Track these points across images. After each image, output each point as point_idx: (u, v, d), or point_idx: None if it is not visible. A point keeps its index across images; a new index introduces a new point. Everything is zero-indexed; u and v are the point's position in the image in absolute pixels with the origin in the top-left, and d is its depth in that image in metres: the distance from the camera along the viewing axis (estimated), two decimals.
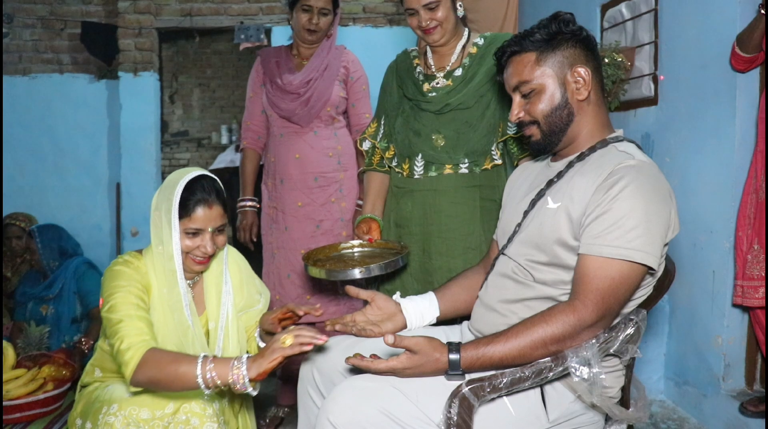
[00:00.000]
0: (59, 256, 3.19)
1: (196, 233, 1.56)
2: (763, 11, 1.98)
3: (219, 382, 1.35)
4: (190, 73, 7.44)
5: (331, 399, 1.28)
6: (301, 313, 1.56)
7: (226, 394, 1.57)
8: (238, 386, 1.35)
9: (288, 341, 1.33)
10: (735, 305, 2.23)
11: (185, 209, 1.54)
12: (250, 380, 1.34)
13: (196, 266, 1.60)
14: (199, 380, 1.35)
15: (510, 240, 1.48)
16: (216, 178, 1.62)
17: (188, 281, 1.64)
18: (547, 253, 1.36)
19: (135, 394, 1.48)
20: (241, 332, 1.69)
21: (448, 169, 1.90)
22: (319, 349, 1.38)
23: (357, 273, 1.71)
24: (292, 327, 1.39)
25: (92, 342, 3.00)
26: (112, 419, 1.41)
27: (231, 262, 1.72)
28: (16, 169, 4.60)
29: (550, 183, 1.43)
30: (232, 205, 2.58)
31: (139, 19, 4.52)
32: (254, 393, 1.39)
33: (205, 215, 1.55)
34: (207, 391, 1.37)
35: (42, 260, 3.16)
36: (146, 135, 4.53)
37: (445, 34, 1.87)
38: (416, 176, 1.93)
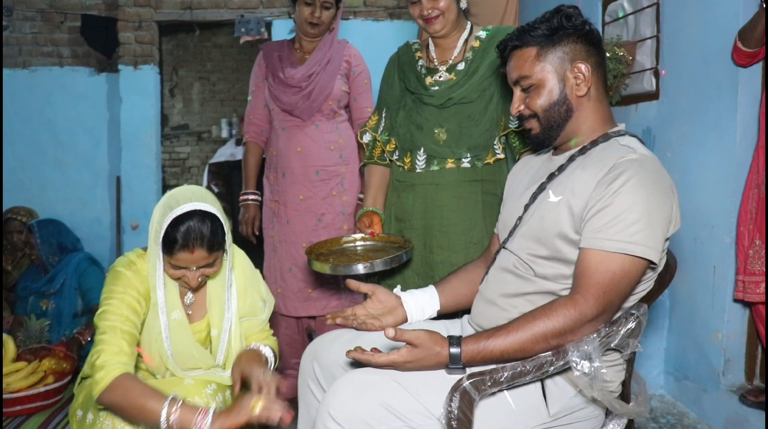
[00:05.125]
0: (58, 251, 3.19)
1: (180, 267, 1.51)
2: (765, 5, 1.97)
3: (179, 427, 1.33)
4: (190, 66, 7.43)
5: (331, 392, 1.28)
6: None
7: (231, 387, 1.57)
8: None
9: (257, 408, 1.33)
10: (736, 300, 2.23)
11: (168, 248, 1.46)
12: None
13: (188, 289, 1.58)
14: (162, 421, 1.33)
15: (511, 234, 1.48)
16: (214, 211, 1.49)
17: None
18: (548, 246, 1.36)
19: None
20: (242, 340, 1.67)
21: (450, 164, 1.89)
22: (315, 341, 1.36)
23: (361, 268, 1.70)
24: (264, 393, 1.39)
25: (90, 334, 3.01)
26: None
27: (237, 266, 1.67)
28: (16, 163, 4.59)
29: (551, 176, 1.42)
30: (233, 201, 2.57)
31: (139, 12, 4.51)
32: None
33: (186, 259, 1.48)
34: None
35: (41, 255, 3.15)
36: (146, 128, 4.52)
37: (447, 25, 1.86)
38: (418, 170, 1.92)
